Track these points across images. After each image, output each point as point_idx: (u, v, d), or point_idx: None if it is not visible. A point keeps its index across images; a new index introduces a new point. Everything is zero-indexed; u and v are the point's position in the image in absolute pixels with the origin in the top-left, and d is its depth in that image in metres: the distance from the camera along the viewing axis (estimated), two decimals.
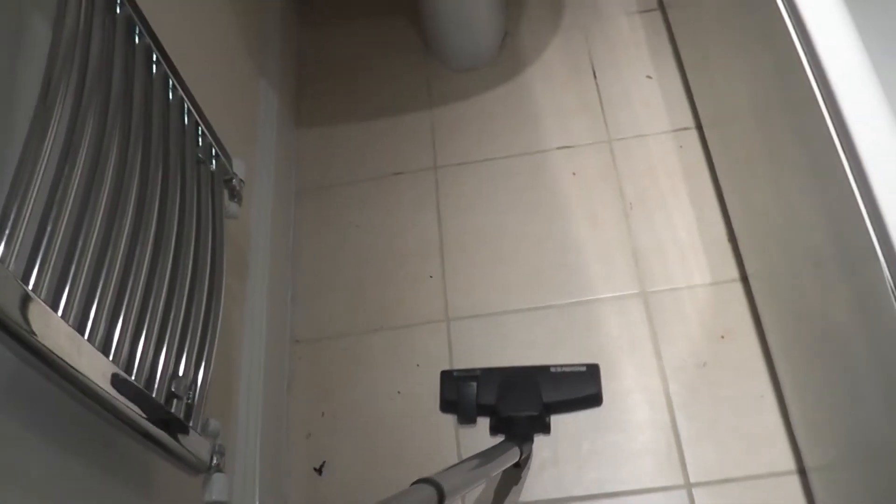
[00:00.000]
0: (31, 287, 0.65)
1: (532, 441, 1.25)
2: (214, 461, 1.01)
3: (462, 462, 1.04)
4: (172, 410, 0.90)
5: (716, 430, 1.24)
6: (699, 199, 1.45)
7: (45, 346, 0.65)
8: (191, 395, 0.94)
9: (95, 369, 0.73)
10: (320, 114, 1.70)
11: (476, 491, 1.25)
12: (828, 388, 1.08)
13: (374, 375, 1.38)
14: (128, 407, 0.78)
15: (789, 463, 1.20)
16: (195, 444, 0.94)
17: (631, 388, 1.29)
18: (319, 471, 1.30)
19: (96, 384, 0.73)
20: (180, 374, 0.93)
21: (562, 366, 1.31)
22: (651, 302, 1.36)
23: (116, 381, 0.76)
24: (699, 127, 1.53)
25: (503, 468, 1.13)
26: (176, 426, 0.90)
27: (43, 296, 0.67)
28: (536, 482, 1.24)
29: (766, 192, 1.21)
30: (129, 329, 0.83)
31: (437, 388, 1.34)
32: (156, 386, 0.87)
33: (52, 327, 0.66)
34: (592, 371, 1.30)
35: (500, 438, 1.27)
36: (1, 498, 0.63)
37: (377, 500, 0.75)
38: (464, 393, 1.30)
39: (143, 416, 0.81)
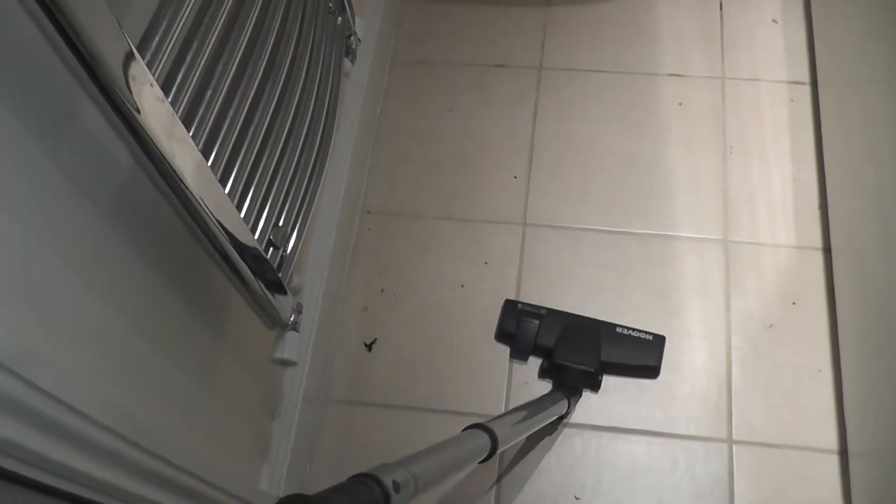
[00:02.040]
0: (169, 100, 0.63)
1: (580, 395, 1.23)
2: (292, 318, 1.01)
3: (512, 411, 1.03)
4: (268, 257, 0.88)
5: (768, 394, 1.24)
6: (799, 158, 1.41)
7: (165, 155, 0.63)
8: (286, 248, 0.93)
9: (208, 193, 0.72)
10: None
11: (521, 441, 1.24)
12: (891, 379, 1.08)
13: (441, 263, 1.36)
14: (228, 239, 0.76)
15: (833, 442, 1.20)
16: (281, 298, 0.93)
17: (693, 332, 1.28)
18: (370, 347, 1.30)
19: (206, 209, 0.71)
20: (280, 224, 0.91)
21: (629, 328, 1.27)
22: (731, 251, 1.34)
23: (223, 210, 0.75)
24: (814, 84, 1.47)
25: (551, 419, 1.12)
26: (269, 273, 0.88)
27: (179, 113, 0.65)
28: (581, 404, 1.24)
29: (873, 168, 1.17)
30: (245, 168, 0.81)
31: (502, 288, 1.33)
32: (259, 228, 0.86)
33: (178, 139, 0.65)
34: (658, 342, 1.27)
35: (546, 383, 1.26)
36: (83, 296, 0.62)
37: (435, 444, 0.75)
38: (524, 328, 1.27)
39: (240, 254, 0.80)
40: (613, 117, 1.46)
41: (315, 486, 1.19)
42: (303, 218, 0.99)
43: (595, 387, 1.25)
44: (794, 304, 1.29)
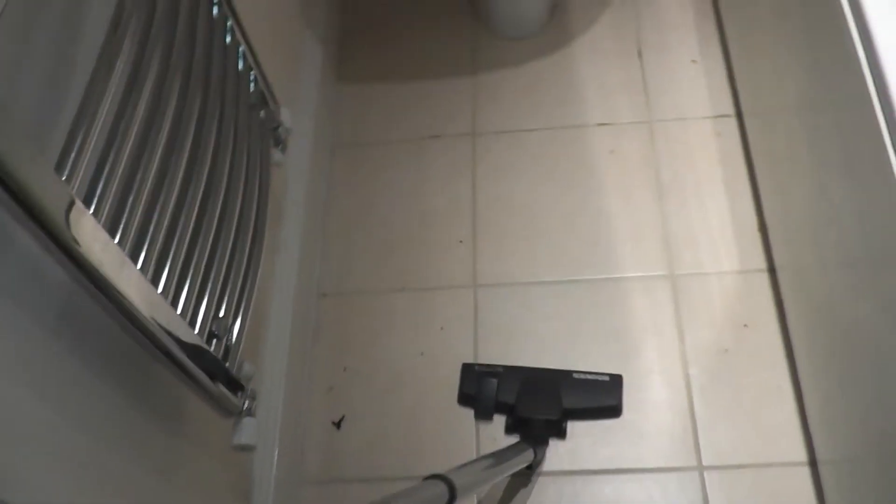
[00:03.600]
0: (91, 212, 0.67)
1: (547, 444, 1.25)
2: (246, 404, 1.04)
3: (475, 461, 1.05)
4: (212, 349, 0.92)
5: (732, 416, 1.25)
6: (733, 187, 1.45)
7: (97, 269, 0.66)
8: (229, 337, 0.96)
9: (143, 297, 0.75)
10: (362, 71, 1.70)
11: (485, 489, 1.25)
12: (848, 385, 1.09)
13: (398, 335, 1.39)
14: (169, 338, 0.80)
15: (801, 454, 1.21)
16: (230, 386, 0.96)
17: (651, 369, 1.31)
18: (338, 425, 1.32)
19: (141, 313, 0.74)
20: (220, 315, 0.95)
21: (585, 372, 1.29)
22: (678, 284, 1.37)
23: (159, 311, 0.78)
24: (739, 115, 1.52)
25: (516, 469, 1.12)
26: (214, 366, 0.92)
27: (102, 222, 0.68)
28: (551, 454, 1.26)
29: (802, 187, 1.21)
30: (177, 265, 0.84)
31: (459, 351, 1.36)
32: (198, 323, 0.89)
33: (106, 251, 0.68)
34: (615, 382, 1.29)
35: (514, 438, 1.27)
36: (37, 410, 0.64)
37: (389, 494, 0.75)
38: (483, 388, 1.29)
39: (183, 351, 0.83)
40: (549, 172, 1.51)
41: None
42: (244, 306, 1.02)
43: (561, 434, 1.26)
44: (745, 326, 1.32)
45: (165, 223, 0.83)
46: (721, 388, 1.28)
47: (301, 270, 1.37)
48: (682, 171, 1.49)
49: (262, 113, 1.17)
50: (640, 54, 1.64)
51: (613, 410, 1.28)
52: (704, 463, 1.22)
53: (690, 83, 1.59)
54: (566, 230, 1.45)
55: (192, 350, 0.86)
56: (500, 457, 1.07)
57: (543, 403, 1.26)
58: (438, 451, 1.28)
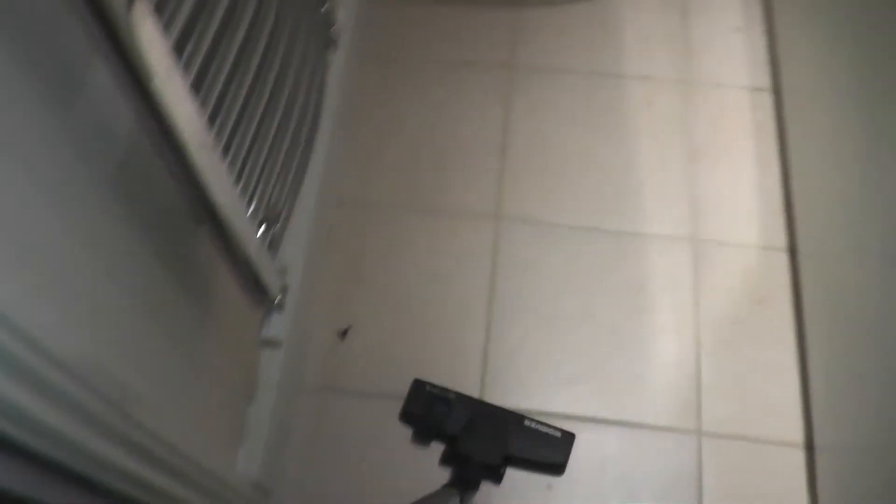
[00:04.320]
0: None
1: (477, 489, 1.18)
2: (280, 297, 0.99)
3: None
4: (259, 234, 0.87)
5: (737, 387, 1.25)
6: (763, 162, 1.44)
7: (174, 122, 0.61)
8: (276, 227, 0.91)
9: (210, 165, 0.70)
10: None
11: None
12: (856, 375, 1.10)
13: (413, 255, 1.36)
14: (224, 209, 0.75)
15: (799, 436, 1.22)
16: (273, 273, 0.91)
17: (664, 327, 1.30)
18: (343, 335, 1.28)
19: (207, 181, 0.69)
20: (272, 202, 0.90)
21: (538, 422, 1.21)
22: (699, 249, 1.36)
23: (221, 183, 0.73)
24: (776, 91, 1.51)
25: None
26: (262, 249, 0.87)
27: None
28: (553, 396, 1.24)
29: (838, 173, 1.20)
30: (244, 145, 0.79)
31: (474, 281, 1.33)
32: (254, 205, 0.84)
33: (186, 107, 0.63)
34: (566, 439, 1.21)
35: (447, 470, 1.21)
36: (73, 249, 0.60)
37: None
38: (431, 412, 1.21)
39: (236, 227, 0.78)
40: (584, 117, 1.48)
41: (291, 473, 1.17)
42: (291, 199, 0.97)
43: (497, 479, 1.20)
44: (759, 302, 1.32)
45: (240, 101, 0.77)
46: (729, 357, 1.28)
47: (326, 174, 1.31)
48: (715, 136, 1.47)
49: (324, 8, 1.10)
50: (683, 13, 1.60)
51: (557, 468, 1.21)
52: (704, 428, 1.22)
53: (731, 51, 1.57)
54: (595, 177, 1.42)
55: (246, 228, 0.81)
56: None
57: (487, 444, 1.19)
58: (442, 372, 1.26)
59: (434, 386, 1.23)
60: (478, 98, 1.50)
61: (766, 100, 1.50)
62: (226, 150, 0.76)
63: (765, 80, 1.53)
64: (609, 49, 1.56)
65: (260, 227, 0.87)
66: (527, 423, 1.21)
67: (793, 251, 1.35)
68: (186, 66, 0.65)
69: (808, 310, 1.28)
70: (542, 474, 1.20)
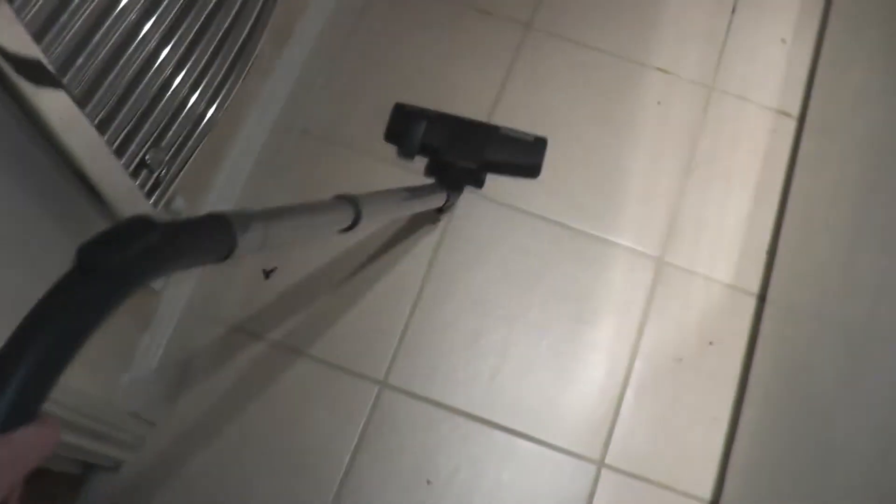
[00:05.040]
0: None
1: (461, 191, 1.26)
2: None
3: (388, 190, 1.01)
4: (137, 183, 0.79)
5: (656, 426, 1.18)
6: (762, 194, 1.33)
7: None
8: (165, 170, 0.83)
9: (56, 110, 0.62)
10: None
11: (391, 218, 1.25)
12: (783, 443, 1.03)
13: None
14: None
15: (707, 492, 1.16)
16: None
17: (598, 344, 1.22)
18: (267, 275, 1.22)
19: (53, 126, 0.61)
20: (162, 143, 0.81)
21: (513, 130, 1.30)
22: (663, 272, 1.26)
23: (78, 125, 0.65)
24: (801, 120, 1.38)
25: (426, 208, 1.15)
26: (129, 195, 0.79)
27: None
28: (463, 389, 1.17)
29: (832, 233, 1.09)
30: (123, 77, 0.70)
31: (417, 244, 1.25)
32: (129, 150, 0.76)
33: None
34: (540, 144, 1.30)
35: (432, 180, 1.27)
36: None
37: (297, 204, 0.73)
38: (411, 128, 1.28)
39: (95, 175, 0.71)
40: (586, 99, 1.37)
41: (179, 407, 1.13)
42: (195, 140, 0.89)
43: (479, 183, 1.28)
44: (710, 343, 1.23)
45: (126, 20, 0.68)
46: (659, 394, 1.20)
47: (290, 100, 1.23)
48: (720, 153, 1.35)
49: None
50: (733, 9, 1.46)
51: (532, 169, 1.29)
52: (607, 460, 1.16)
53: (769, 63, 1.43)
54: (578, 168, 1.32)
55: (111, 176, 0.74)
56: (412, 192, 1.07)
57: (467, 150, 1.27)
58: (357, 340, 1.20)
59: (412, 106, 1.31)
60: (483, 51, 1.39)
61: (788, 127, 1.38)
62: (91, 91, 0.67)
63: (794, 104, 1.40)
64: (637, 31, 1.43)
65: (138, 172, 0.79)
66: (502, 130, 1.30)
67: (761, 299, 1.25)
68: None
69: (757, 364, 1.20)
70: (520, 177, 1.29)
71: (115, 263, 0.43)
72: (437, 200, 1.15)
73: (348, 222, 0.83)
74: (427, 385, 1.18)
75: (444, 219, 1.26)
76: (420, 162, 1.30)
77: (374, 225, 1.23)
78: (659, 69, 1.40)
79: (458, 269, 1.24)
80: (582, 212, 1.29)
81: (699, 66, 1.41)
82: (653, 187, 1.31)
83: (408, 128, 1.28)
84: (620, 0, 1.45)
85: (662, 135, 1.35)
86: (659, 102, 1.37)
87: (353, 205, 0.83)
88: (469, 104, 1.34)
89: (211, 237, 0.55)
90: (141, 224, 0.47)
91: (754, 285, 1.26)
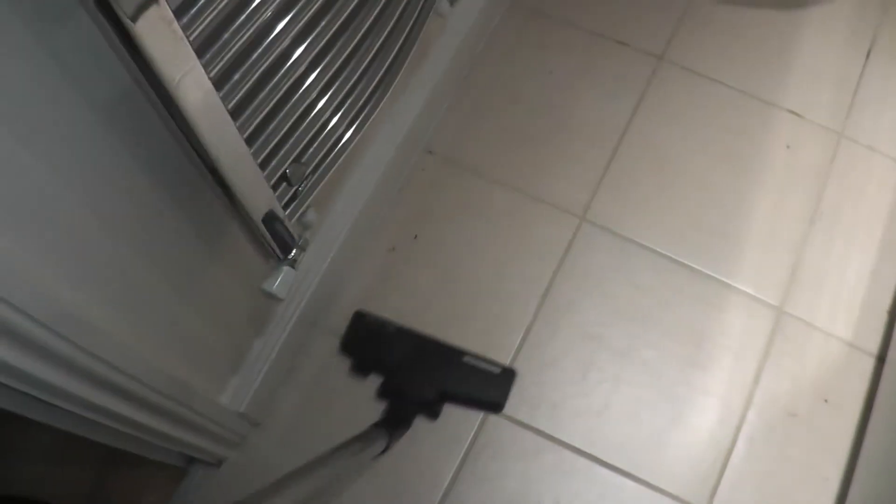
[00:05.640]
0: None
1: (409, 426, 1.14)
2: (293, 254, 0.92)
3: (311, 462, 0.85)
4: (277, 193, 0.79)
5: (765, 482, 1.15)
6: (888, 249, 1.29)
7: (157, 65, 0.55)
8: (305, 184, 0.83)
9: (210, 120, 0.63)
10: None
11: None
12: None
13: (483, 230, 1.28)
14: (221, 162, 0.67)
15: None
16: (282, 233, 0.84)
17: (713, 390, 1.19)
18: None
19: (199, 128, 0.62)
20: (303, 160, 0.81)
21: (478, 358, 1.17)
22: (782, 322, 1.23)
23: (222, 132, 0.66)
24: None
25: (362, 464, 1.00)
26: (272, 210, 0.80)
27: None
28: (569, 422, 1.16)
29: None
30: (273, 97, 0.71)
31: (531, 274, 1.24)
32: (274, 162, 0.77)
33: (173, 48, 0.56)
34: (506, 376, 1.18)
35: (382, 403, 1.15)
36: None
37: None
38: (368, 343, 1.18)
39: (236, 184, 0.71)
40: (714, 136, 1.34)
41: (279, 410, 1.13)
42: (332, 158, 0.89)
43: (434, 415, 1.16)
44: (826, 401, 1.19)
45: (274, 51, 0.68)
46: (770, 447, 1.17)
47: (418, 119, 1.23)
48: (846, 204, 1.32)
49: None
50: (868, 55, 1.42)
51: (495, 406, 1.17)
52: None
53: None
54: (699, 206, 1.29)
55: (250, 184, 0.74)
56: (340, 452, 0.92)
57: (423, 378, 1.15)
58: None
59: (376, 317, 1.20)
60: (613, 82, 1.37)
61: None
62: (242, 106, 0.68)
63: None
64: (770, 71, 1.40)
65: (279, 185, 0.80)
66: (466, 359, 1.17)
67: (881, 360, 1.22)
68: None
69: (873, 427, 1.16)
70: (481, 411, 1.17)
71: None
72: (378, 447, 1.01)
73: None
74: (533, 414, 1.16)
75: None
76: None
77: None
78: (790, 111, 1.36)
79: (572, 300, 1.22)
80: (703, 253, 1.26)
81: (830, 110, 1.37)
82: (776, 233, 1.28)
83: (365, 343, 1.19)
84: (755, 38, 1.42)
85: (788, 180, 1.32)
86: (788, 146, 1.34)
87: None
88: (595, 133, 1.32)
89: None
90: None
91: (874, 345, 1.23)
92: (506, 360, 1.19)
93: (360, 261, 1.24)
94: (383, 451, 1.04)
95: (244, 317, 1.04)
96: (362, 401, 1.16)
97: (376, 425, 1.09)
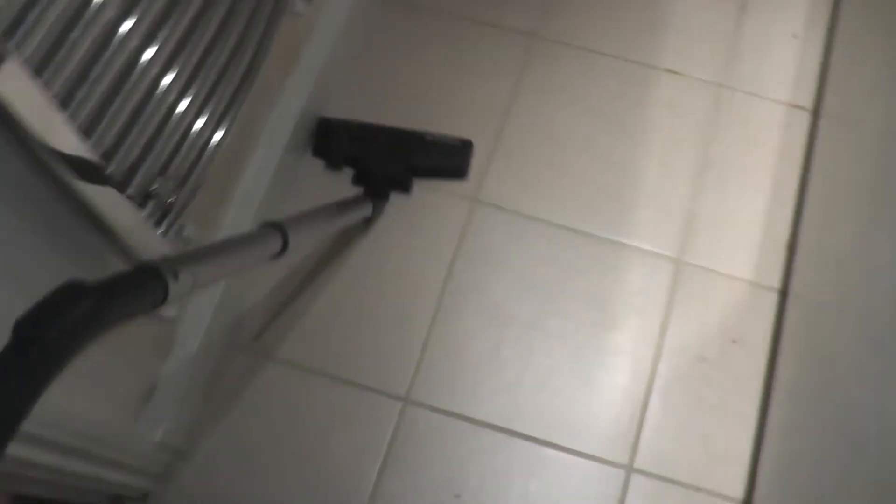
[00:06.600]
0: None
1: (388, 199, 1.28)
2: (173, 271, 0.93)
3: (313, 210, 1.03)
4: (145, 214, 0.81)
5: (683, 428, 1.17)
6: (779, 189, 1.32)
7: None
8: (173, 197, 0.85)
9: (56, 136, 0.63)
10: None
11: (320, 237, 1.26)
12: (815, 439, 1.01)
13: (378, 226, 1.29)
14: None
15: (739, 491, 1.14)
16: (153, 247, 0.85)
17: (622, 348, 1.21)
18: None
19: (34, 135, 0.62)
20: (169, 172, 0.83)
21: (437, 135, 1.31)
22: (683, 273, 1.26)
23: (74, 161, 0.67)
24: (815, 113, 1.36)
25: (353, 221, 1.20)
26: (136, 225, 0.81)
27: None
28: (487, 401, 1.18)
29: (856, 222, 1.08)
30: (123, 111, 0.72)
31: (431, 264, 1.26)
32: (135, 181, 0.78)
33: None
34: (465, 147, 1.31)
35: (360, 189, 1.29)
36: None
37: (225, 239, 0.77)
38: (336, 141, 1.31)
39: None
40: (596, 104, 1.37)
41: (201, 434, 1.14)
42: (204, 163, 0.91)
43: (406, 189, 1.29)
44: (734, 341, 1.22)
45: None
46: (684, 395, 1.19)
47: (300, 123, 1.25)
48: (733, 151, 1.34)
49: None
50: (741, 8, 1.45)
51: (459, 172, 1.31)
52: (636, 465, 1.15)
53: (780, 58, 1.42)
54: (590, 174, 1.32)
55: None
56: (337, 208, 1.12)
57: (391, 159, 1.30)
58: (378, 355, 1.21)
59: (337, 119, 1.33)
60: (489, 64, 1.40)
61: (802, 121, 1.37)
62: (64, 105, 0.68)
63: (807, 98, 1.39)
64: (646, 34, 1.43)
65: (145, 203, 0.81)
66: (427, 137, 1.31)
67: (784, 294, 1.24)
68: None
69: (782, 360, 1.18)
70: (448, 179, 1.31)
71: (51, 336, 0.44)
72: (363, 211, 1.20)
73: (277, 248, 0.85)
74: (450, 398, 1.18)
75: (373, 226, 1.28)
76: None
77: (307, 245, 1.24)
78: (668, 70, 1.39)
79: (475, 281, 1.24)
80: (597, 217, 1.28)
81: (708, 64, 1.40)
82: (667, 189, 1.31)
83: (332, 141, 1.31)
84: (625, 4, 1.45)
85: (674, 136, 1.35)
86: (669, 105, 1.37)
87: (280, 230, 0.85)
88: (477, 114, 1.35)
89: (143, 289, 0.57)
90: (72, 291, 0.47)
91: (775, 281, 1.25)
92: (416, 349, 1.21)
93: (267, 273, 1.26)
94: (371, 217, 1.24)
95: (147, 343, 1.05)
96: None
97: (361, 196, 1.25)
